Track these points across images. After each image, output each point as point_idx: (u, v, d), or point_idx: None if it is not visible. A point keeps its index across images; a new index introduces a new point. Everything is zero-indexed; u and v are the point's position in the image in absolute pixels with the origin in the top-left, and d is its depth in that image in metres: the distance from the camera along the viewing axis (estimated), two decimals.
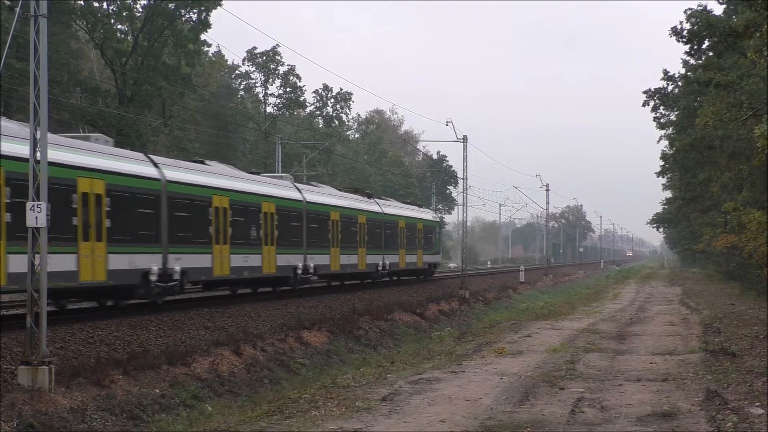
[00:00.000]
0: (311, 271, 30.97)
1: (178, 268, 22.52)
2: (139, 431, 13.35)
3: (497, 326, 27.52)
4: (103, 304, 22.13)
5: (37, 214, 13.57)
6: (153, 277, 21.54)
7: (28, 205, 13.62)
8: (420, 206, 53.27)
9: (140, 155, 23.34)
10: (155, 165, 22.80)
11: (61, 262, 18.08)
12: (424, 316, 30.60)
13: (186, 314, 22.04)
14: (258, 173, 32.07)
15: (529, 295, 46.75)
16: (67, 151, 19.26)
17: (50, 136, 17.76)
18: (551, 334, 23.90)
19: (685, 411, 12.29)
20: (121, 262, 20.35)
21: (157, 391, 14.81)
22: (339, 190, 39.33)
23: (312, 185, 35.71)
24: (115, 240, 20.16)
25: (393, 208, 43.30)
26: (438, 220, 50.37)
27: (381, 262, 38.93)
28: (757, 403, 12.35)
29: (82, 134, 23.50)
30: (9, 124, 17.87)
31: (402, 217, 43.29)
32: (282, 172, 47.14)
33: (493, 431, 11.23)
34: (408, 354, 21.99)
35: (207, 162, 27.63)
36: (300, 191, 31.68)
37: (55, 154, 17.28)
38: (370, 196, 41.69)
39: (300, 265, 30.03)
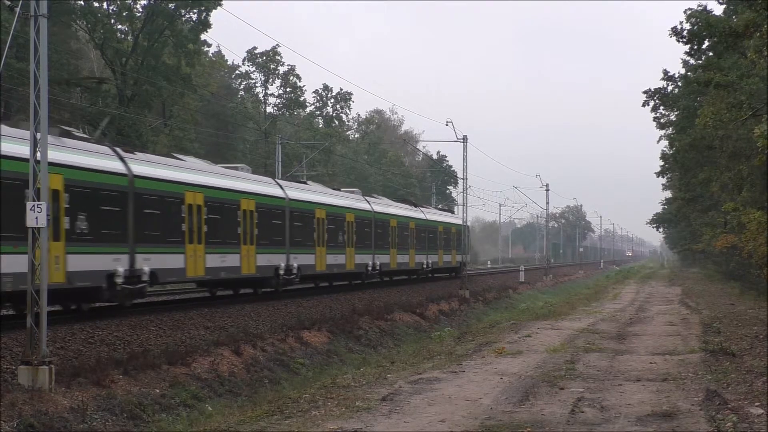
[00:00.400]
0: (377, 268, 37.89)
1: (295, 264, 29.54)
2: (139, 431, 13.35)
3: (497, 326, 27.52)
4: (237, 291, 28.78)
5: (37, 215, 13.56)
6: (281, 272, 28.45)
7: (28, 205, 13.61)
8: (452, 212, 62.67)
9: (270, 180, 31.19)
10: (281, 187, 30.15)
11: (232, 260, 25.46)
12: (424, 316, 30.61)
13: (186, 314, 22.05)
14: (338, 189, 39.97)
15: (529, 295, 46.77)
16: (233, 180, 26.73)
17: (217, 167, 27.31)
18: (551, 334, 23.90)
19: (685, 411, 12.29)
20: (263, 260, 27.29)
21: (157, 391, 14.81)
22: (393, 200, 47.41)
23: (374, 197, 42.65)
24: (261, 244, 26.98)
25: (434, 215, 50.68)
26: (467, 224, 56.28)
27: (425, 261, 45.98)
28: (756, 403, 12.35)
29: (231, 165, 30.66)
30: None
31: (441, 222, 50.20)
32: (282, 173, 48.22)
33: (493, 431, 11.23)
34: (408, 354, 21.98)
35: (309, 182, 36.33)
36: (369, 203, 38.71)
37: (227, 183, 26.03)
38: (416, 206, 49.17)
39: (370, 263, 37.12)
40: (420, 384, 15.10)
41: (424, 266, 45.33)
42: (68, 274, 18.29)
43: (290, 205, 29.54)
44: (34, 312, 13.46)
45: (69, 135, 19.93)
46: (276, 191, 29.26)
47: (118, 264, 19.82)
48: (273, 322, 23.18)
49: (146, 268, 20.88)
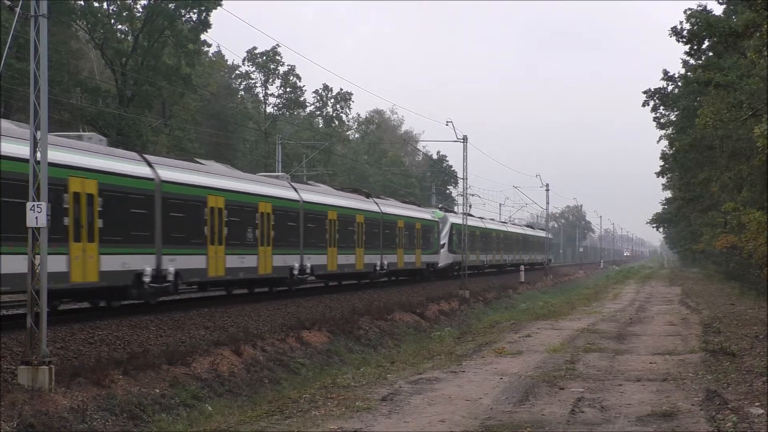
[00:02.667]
0: (457, 265, 49.11)
1: (386, 262, 38.70)
2: (139, 431, 13.35)
3: (497, 326, 27.52)
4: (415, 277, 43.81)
5: (37, 214, 13.54)
6: (377, 267, 37.81)
7: (28, 205, 13.60)
8: (541, 229, 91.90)
9: (419, 207, 48.19)
10: (378, 205, 39.77)
11: (349, 259, 34.41)
12: (424, 316, 30.59)
13: (186, 314, 22.04)
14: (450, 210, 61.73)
15: (529, 295, 46.78)
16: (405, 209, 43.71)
17: (390, 202, 44.72)
18: (551, 334, 23.90)
19: (685, 411, 12.30)
20: (368, 258, 37.10)
21: (157, 391, 14.81)
22: (494, 221, 72.20)
23: (471, 215, 57.38)
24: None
25: (518, 228, 79.62)
26: (550, 236, 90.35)
27: (508, 258, 68.87)
28: (757, 403, 12.35)
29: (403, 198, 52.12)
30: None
31: (531, 235, 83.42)
32: (282, 172, 48.57)
33: (493, 431, 11.23)
34: (408, 354, 21.97)
35: (388, 198, 47.74)
36: (455, 218, 54.27)
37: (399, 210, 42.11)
38: (505, 222, 79.68)
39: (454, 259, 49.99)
40: (420, 384, 15.10)
41: (506, 261, 69.27)
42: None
43: (383, 218, 38.77)
44: (34, 312, 13.46)
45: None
46: (373, 207, 38.70)
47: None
48: (273, 322, 23.16)
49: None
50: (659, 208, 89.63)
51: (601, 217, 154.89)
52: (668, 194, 75.43)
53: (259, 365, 18.31)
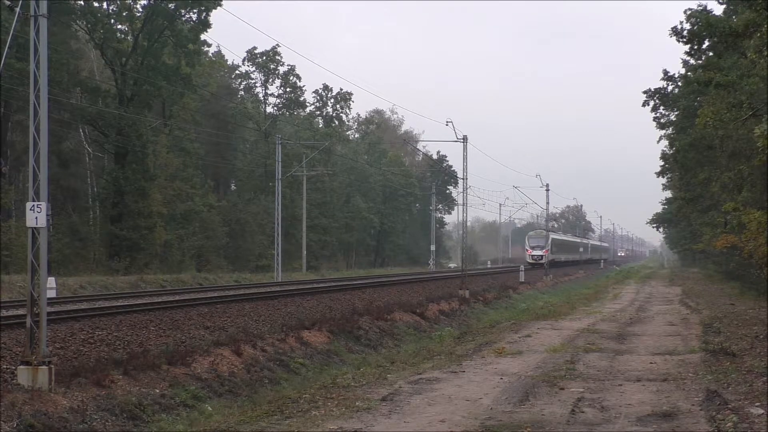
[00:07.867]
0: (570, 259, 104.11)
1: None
2: (139, 431, 13.34)
3: (497, 326, 27.52)
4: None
5: (37, 215, 13.54)
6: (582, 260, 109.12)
7: (28, 205, 13.61)
8: (591, 237, 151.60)
9: (578, 238, 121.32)
10: (580, 238, 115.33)
11: (578, 255, 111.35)
12: (424, 316, 30.57)
13: (186, 314, 22.05)
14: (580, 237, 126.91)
15: (529, 295, 46.72)
16: (571, 237, 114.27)
17: (567, 235, 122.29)
18: (551, 334, 23.90)
19: (685, 411, 12.29)
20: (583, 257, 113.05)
21: (157, 391, 14.80)
22: (576, 235, 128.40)
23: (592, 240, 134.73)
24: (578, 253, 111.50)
25: (596, 240, 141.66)
26: (606, 244, 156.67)
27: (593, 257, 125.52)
28: (757, 403, 12.35)
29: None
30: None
31: (598, 244, 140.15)
32: (282, 172, 48.43)
33: (493, 431, 11.23)
34: (408, 354, 21.96)
35: (583, 239, 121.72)
36: (586, 240, 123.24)
37: (571, 238, 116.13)
38: (587, 238, 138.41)
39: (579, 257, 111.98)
40: (420, 384, 15.10)
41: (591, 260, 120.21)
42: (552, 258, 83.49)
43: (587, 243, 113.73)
44: (34, 312, 13.45)
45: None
46: (578, 240, 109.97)
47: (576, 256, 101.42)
48: (273, 322, 23.17)
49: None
50: (659, 208, 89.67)
51: (601, 217, 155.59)
52: (668, 194, 75.48)
53: (259, 365, 18.30)
